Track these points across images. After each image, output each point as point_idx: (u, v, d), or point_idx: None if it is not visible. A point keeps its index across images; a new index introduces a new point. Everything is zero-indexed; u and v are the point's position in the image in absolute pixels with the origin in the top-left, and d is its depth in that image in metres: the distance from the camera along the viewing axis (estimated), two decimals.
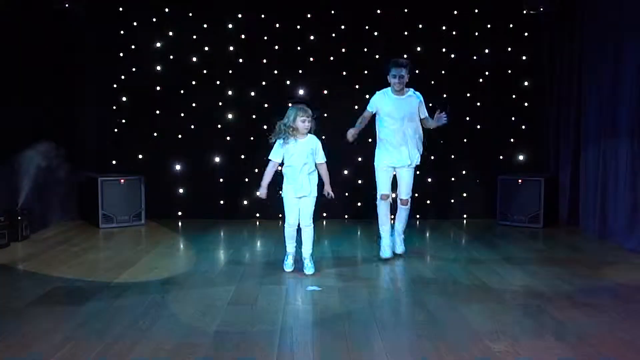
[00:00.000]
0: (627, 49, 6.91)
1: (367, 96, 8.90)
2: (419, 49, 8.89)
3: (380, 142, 6.44)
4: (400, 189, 6.46)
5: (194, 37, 8.84)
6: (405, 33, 8.88)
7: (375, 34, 8.90)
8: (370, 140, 8.98)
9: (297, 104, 5.83)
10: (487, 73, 8.94)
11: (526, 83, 8.94)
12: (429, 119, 6.42)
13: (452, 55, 8.91)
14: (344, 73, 8.90)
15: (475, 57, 8.90)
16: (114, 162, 8.95)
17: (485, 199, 8.92)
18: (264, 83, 8.87)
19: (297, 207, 5.83)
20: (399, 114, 6.25)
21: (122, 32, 8.78)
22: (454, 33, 8.89)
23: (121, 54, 8.82)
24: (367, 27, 8.89)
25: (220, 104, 8.91)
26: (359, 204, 9.05)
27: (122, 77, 8.87)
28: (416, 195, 8.80)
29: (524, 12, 7.96)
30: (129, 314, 4.59)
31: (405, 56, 8.84)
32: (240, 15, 8.85)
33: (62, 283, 5.43)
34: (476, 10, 8.85)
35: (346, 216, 9.06)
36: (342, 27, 8.89)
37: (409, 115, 6.29)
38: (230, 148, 8.95)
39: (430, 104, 8.91)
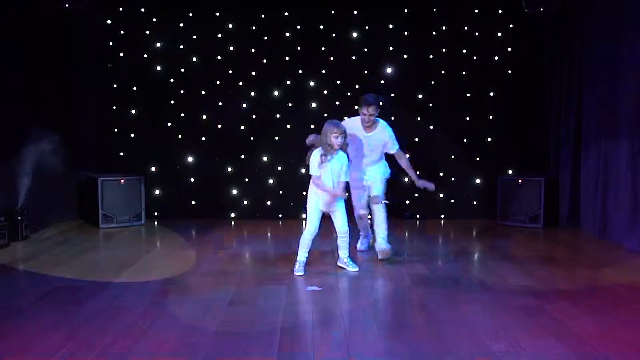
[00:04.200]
0: (627, 49, 6.91)
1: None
2: (418, 48, 8.89)
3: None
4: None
5: (194, 37, 8.84)
6: (405, 33, 8.89)
7: (376, 33, 8.90)
8: None
9: (330, 120, 5.83)
10: (487, 73, 8.94)
11: (526, 83, 8.94)
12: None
13: (452, 55, 8.91)
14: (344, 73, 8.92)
15: (475, 57, 8.90)
16: (114, 162, 8.95)
17: (485, 199, 8.92)
18: (264, 83, 8.86)
19: (320, 217, 5.84)
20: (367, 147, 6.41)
21: (122, 32, 8.79)
22: (453, 33, 8.88)
23: (121, 54, 8.82)
24: (367, 28, 8.89)
25: (220, 104, 8.91)
26: None
27: (122, 77, 8.87)
28: (416, 195, 8.86)
29: (524, 12, 7.95)
30: (129, 314, 4.59)
31: (405, 56, 8.90)
32: (239, 16, 8.84)
33: (62, 283, 5.43)
34: (476, 11, 8.85)
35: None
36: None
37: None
38: (231, 148, 8.95)
39: (430, 104, 8.97)
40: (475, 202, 9.08)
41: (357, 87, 8.88)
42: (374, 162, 6.47)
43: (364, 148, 6.38)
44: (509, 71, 8.91)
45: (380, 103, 6.42)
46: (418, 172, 6.57)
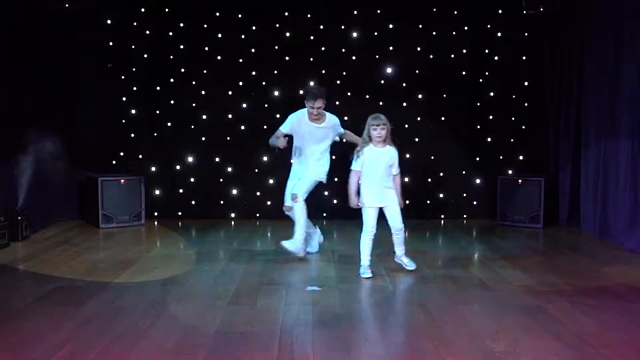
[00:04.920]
0: (627, 49, 6.91)
1: (368, 96, 8.99)
2: (419, 48, 8.90)
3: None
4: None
5: (194, 37, 8.84)
6: (405, 33, 8.89)
7: (376, 34, 8.90)
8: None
9: (373, 114, 5.75)
10: (487, 73, 8.95)
11: (526, 83, 8.95)
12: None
13: (452, 55, 8.92)
14: (344, 74, 8.93)
15: (475, 57, 8.91)
16: (114, 162, 8.96)
17: (485, 199, 8.92)
18: (264, 83, 8.87)
19: (376, 215, 5.74)
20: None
21: (122, 32, 8.79)
22: (454, 33, 8.89)
23: (121, 54, 8.82)
24: (367, 28, 8.90)
25: (220, 104, 8.91)
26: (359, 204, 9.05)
27: (122, 77, 8.88)
28: (416, 195, 8.86)
29: (524, 12, 7.96)
30: (129, 314, 4.58)
31: (405, 56, 8.90)
32: (240, 16, 8.85)
33: (62, 283, 5.43)
34: (476, 11, 8.85)
35: (346, 216, 9.04)
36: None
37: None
38: (231, 148, 8.95)
39: (430, 104, 8.97)
40: (475, 202, 9.08)
41: (357, 87, 8.89)
42: (319, 153, 6.41)
43: (311, 138, 6.35)
44: (509, 71, 8.91)
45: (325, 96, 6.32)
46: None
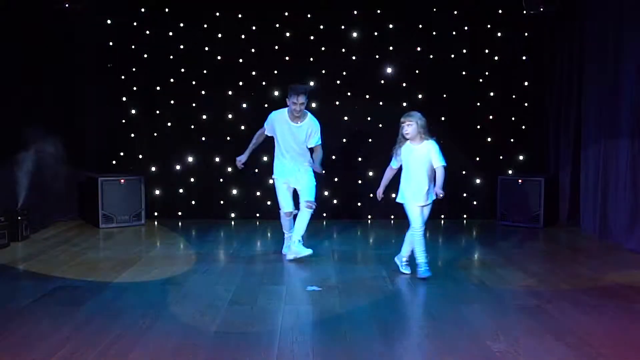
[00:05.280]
0: (627, 49, 6.91)
1: (368, 96, 8.99)
2: (419, 48, 8.90)
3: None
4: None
5: (195, 37, 8.84)
6: (405, 34, 8.89)
7: (376, 34, 8.91)
8: (370, 140, 9.05)
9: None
10: (487, 73, 8.95)
11: (526, 83, 8.95)
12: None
13: (452, 56, 8.92)
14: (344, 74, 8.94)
15: (475, 57, 8.91)
16: (114, 162, 8.96)
17: (485, 199, 8.92)
18: (264, 83, 8.86)
19: (420, 212, 5.67)
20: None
21: (122, 32, 8.79)
22: (454, 33, 8.89)
23: (121, 54, 8.82)
24: (367, 28, 8.89)
25: (220, 104, 8.91)
26: (359, 204, 9.07)
27: (122, 77, 8.88)
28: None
29: (524, 12, 7.96)
30: (129, 314, 4.59)
31: (405, 56, 8.90)
32: (240, 16, 8.85)
33: (62, 283, 5.43)
34: (476, 11, 8.85)
35: (346, 216, 9.06)
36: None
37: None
38: (231, 148, 8.93)
39: (430, 104, 8.98)
40: (475, 202, 9.08)
41: (357, 87, 8.90)
42: (299, 154, 6.35)
43: (291, 138, 6.30)
44: (509, 71, 8.91)
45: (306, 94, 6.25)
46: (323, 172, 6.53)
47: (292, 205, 6.50)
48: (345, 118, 9.01)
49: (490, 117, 9.02)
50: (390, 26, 8.90)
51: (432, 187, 5.60)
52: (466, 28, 8.89)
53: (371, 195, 8.87)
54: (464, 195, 9.06)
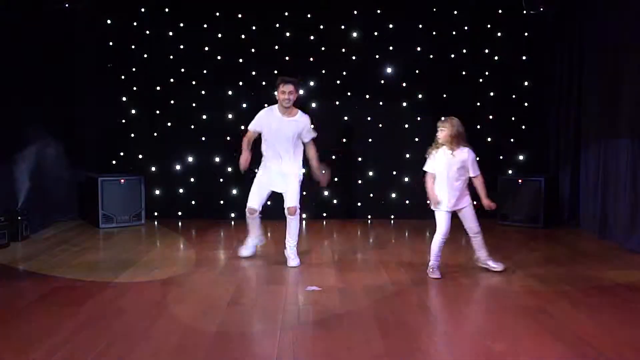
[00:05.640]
0: (627, 49, 6.91)
1: (368, 96, 8.98)
2: (419, 48, 8.90)
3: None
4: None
5: (195, 37, 8.85)
6: (405, 34, 8.89)
7: (376, 34, 8.91)
8: (370, 140, 9.04)
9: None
10: (487, 73, 8.95)
11: (526, 83, 8.95)
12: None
13: (452, 55, 8.92)
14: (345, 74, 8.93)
15: (475, 57, 8.91)
16: (114, 162, 8.96)
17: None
18: (264, 83, 8.86)
19: (450, 218, 5.70)
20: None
21: (122, 32, 8.80)
22: (453, 33, 8.90)
23: (121, 54, 8.83)
24: (367, 28, 8.90)
25: (220, 104, 8.91)
26: (359, 204, 9.07)
27: (122, 77, 8.88)
28: (416, 195, 8.86)
29: (524, 12, 7.96)
30: (129, 314, 4.59)
31: (405, 56, 8.90)
32: (240, 15, 8.85)
33: (62, 283, 5.43)
34: (476, 11, 8.86)
35: (346, 216, 9.06)
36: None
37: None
38: (231, 148, 8.93)
39: (430, 104, 8.98)
40: (475, 202, 9.04)
41: (357, 87, 8.90)
42: (288, 153, 6.12)
43: (281, 134, 6.09)
44: (509, 71, 8.91)
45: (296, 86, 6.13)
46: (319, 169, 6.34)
47: (259, 204, 6.30)
48: (345, 118, 9.01)
49: (490, 117, 9.02)
50: (390, 26, 8.90)
51: (463, 194, 5.66)
52: (466, 28, 8.89)
53: (371, 195, 9.05)
54: None
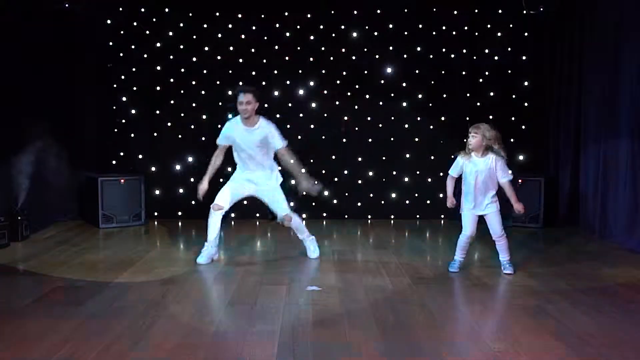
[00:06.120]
0: (627, 49, 6.91)
1: (368, 96, 8.98)
2: (418, 48, 8.90)
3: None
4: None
5: (194, 37, 8.85)
6: (405, 33, 8.89)
7: (376, 34, 8.90)
8: (370, 140, 9.04)
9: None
10: (487, 73, 8.95)
11: (526, 83, 8.95)
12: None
13: (452, 55, 8.92)
14: (344, 73, 8.93)
15: (475, 57, 8.91)
16: (114, 162, 8.96)
17: None
18: (264, 83, 8.86)
19: (474, 220, 5.74)
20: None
21: (122, 32, 8.80)
22: (453, 33, 8.90)
23: (121, 54, 8.83)
24: (367, 28, 8.90)
25: (220, 104, 8.91)
26: (359, 204, 9.07)
27: (122, 77, 8.88)
28: (416, 195, 8.89)
29: (524, 12, 7.96)
30: (129, 314, 4.58)
31: (405, 56, 8.91)
32: (240, 15, 8.85)
33: (62, 283, 5.43)
34: (476, 11, 8.86)
35: (346, 216, 9.06)
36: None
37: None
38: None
39: (430, 104, 8.99)
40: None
41: (357, 87, 8.90)
42: (260, 165, 6.15)
43: (246, 145, 6.08)
44: (509, 71, 8.91)
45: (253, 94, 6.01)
46: (303, 171, 6.27)
47: (227, 203, 6.29)
48: (345, 118, 9.01)
49: (490, 117, 9.00)
50: (390, 26, 8.90)
51: (491, 200, 5.68)
52: (466, 28, 8.89)
53: (371, 195, 9.05)
54: None
